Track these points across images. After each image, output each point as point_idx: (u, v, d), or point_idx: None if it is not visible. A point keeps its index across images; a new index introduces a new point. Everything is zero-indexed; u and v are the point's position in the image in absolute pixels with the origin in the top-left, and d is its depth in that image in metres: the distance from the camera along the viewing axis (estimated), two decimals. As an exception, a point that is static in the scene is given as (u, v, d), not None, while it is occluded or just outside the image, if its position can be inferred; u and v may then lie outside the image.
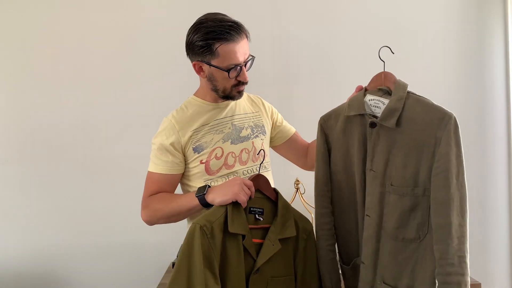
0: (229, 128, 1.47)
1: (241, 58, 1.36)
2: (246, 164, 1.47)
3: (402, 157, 1.27)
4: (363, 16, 2.35)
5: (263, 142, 1.53)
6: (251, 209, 1.33)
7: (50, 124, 2.28)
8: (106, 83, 2.30)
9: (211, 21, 1.35)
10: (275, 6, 2.32)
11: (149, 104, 2.30)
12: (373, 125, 1.29)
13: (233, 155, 1.45)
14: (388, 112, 1.27)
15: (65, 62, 2.29)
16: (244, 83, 1.42)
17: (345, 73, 2.34)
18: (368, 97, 1.33)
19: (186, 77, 2.26)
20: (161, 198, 1.42)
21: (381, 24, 2.36)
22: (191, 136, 1.42)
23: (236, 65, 1.36)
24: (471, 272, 2.15)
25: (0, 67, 2.29)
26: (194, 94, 1.53)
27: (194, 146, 1.42)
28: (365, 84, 1.41)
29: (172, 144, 1.41)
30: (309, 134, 2.31)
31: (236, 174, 1.44)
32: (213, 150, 1.43)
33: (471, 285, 1.89)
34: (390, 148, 1.29)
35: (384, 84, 1.36)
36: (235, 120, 1.49)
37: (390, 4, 2.36)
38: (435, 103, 1.28)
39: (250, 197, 1.30)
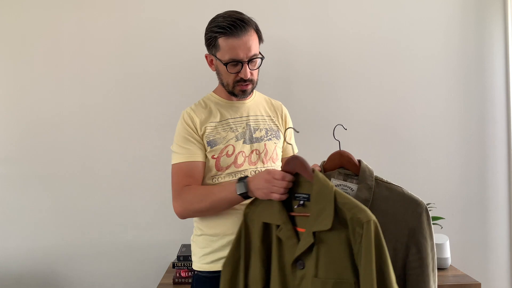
0: (243, 127, 1.48)
1: (241, 54, 1.37)
2: (255, 164, 1.47)
3: None
4: (363, 17, 2.35)
5: (276, 146, 1.53)
6: (295, 195, 1.23)
7: (51, 124, 2.28)
8: (107, 83, 2.29)
9: (222, 16, 1.40)
10: (275, 8, 2.32)
11: (150, 104, 2.30)
12: None
13: (243, 155, 1.46)
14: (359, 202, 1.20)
15: (66, 61, 2.29)
16: (245, 80, 1.42)
17: (344, 73, 2.34)
18: (334, 181, 1.29)
19: (188, 78, 2.28)
20: (196, 190, 1.40)
21: (381, 24, 2.36)
22: (206, 130, 1.45)
23: (235, 60, 1.38)
24: (472, 272, 2.16)
25: (1, 66, 2.29)
26: (213, 91, 1.56)
27: (208, 140, 1.45)
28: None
29: (190, 133, 1.45)
30: (309, 134, 2.32)
31: (244, 173, 1.44)
32: (226, 147, 1.44)
33: (471, 285, 1.90)
34: None
35: (342, 164, 1.30)
36: (251, 120, 1.51)
37: (389, 5, 2.36)
38: (405, 190, 1.24)
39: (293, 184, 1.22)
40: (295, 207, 1.21)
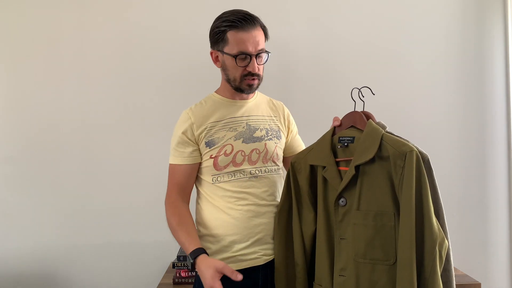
0: (243, 127, 1.49)
1: (250, 47, 1.39)
2: (255, 164, 1.47)
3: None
4: (364, 16, 2.35)
5: (276, 146, 1.53)
6: (340, 138, 1.34)
7: (51, 124, 2.28)
8: (107, 84, 2.30)
9: (229, 12, 1.43)
10: (275, 9, 2.32)
11: (150, 105, 2.30)
12: None
13: (243, 154, 1.46)
14: None
15: (66, 62, 2.29)
16: (253, 74, 1.43)
17: (345, 74, 2.34)
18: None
19: (188, 79, 2.28)
20: (173, 218, 1.45)
21: (381, 24, 2.36)
22: (204, 130, 1.46)
23: (244, 53, 1.39)
24: (472, 272, 2.16)
25: (0, 67, 2.29)
26: (215, 91, 1.56)
27: (206, 141, 1.45)
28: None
29: (185, 134, 1.45)
30: (310, 134, 2.31)
31: (243, 173, 1.45)
32: (224, 146, 1.45)
33: (471, 285, 1.90)
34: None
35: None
36: (251, 120, 1.51)
37: (390, 5, 2.36)
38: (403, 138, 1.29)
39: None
40: (338, 147, 1.32)
